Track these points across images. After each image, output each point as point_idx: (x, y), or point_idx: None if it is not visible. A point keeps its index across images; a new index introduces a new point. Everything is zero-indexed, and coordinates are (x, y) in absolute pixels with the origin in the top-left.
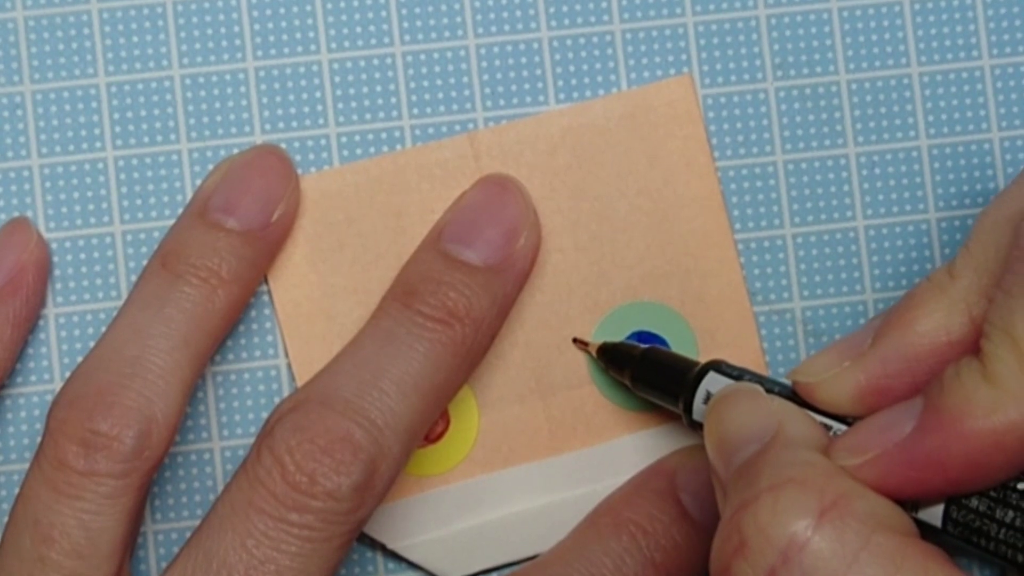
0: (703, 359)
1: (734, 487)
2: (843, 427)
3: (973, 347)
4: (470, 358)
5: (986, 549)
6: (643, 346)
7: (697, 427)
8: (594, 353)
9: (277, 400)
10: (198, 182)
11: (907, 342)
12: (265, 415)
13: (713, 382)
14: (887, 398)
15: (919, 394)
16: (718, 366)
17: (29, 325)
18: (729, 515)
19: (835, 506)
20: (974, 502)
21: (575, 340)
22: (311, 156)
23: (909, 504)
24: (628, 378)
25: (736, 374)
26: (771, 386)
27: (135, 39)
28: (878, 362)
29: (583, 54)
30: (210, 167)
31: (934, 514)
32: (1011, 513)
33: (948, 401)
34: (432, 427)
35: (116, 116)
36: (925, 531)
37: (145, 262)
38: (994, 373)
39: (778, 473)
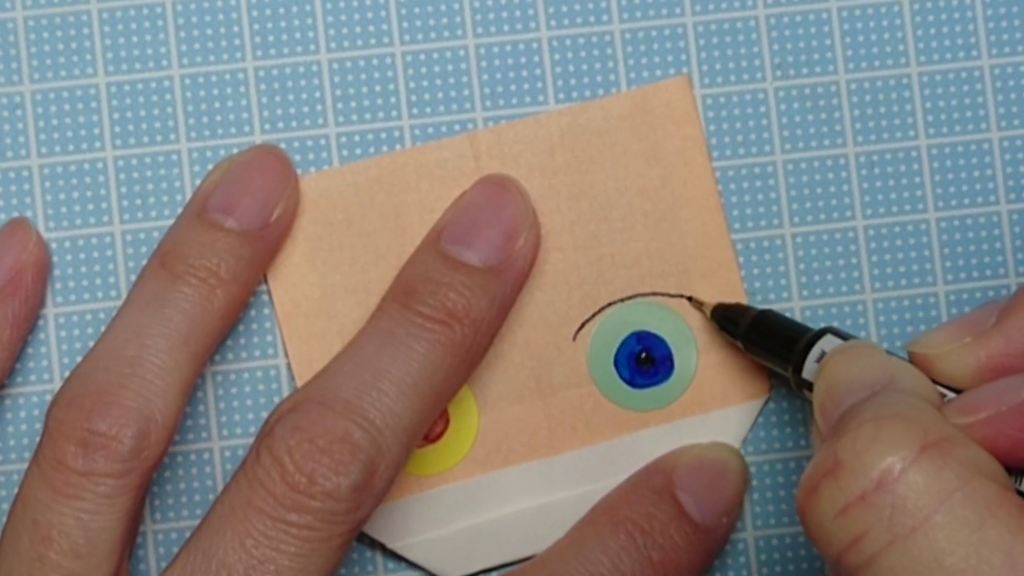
0: (703, 359)
1: (837, 428)
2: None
3: None
4: (469, 358)
5: None
6: (757, 308)
7: (805, 387)
8: (708, 314)
9: (276, 400)
10: (197, 182)
11: None
12: (264, 415)
13: (829, 344)
14: (1006, 376)
15: None
16: (835, 330)
17: (28, 325)
18: (828, 444)
19: (938, 445)
20: None
21: (690, 299)
22: (311, 156)
23: (1015, 473)
24: (741, 339)
25: (852, 339)
26: (890, 353)
27: (135, 39)
28: (1002, 340)
29: (582, 54)
30: (210, 167)
31: None
32: None
33: None
34: (432, 427)
35: (116, 116)
36: None
37: (144, 262)
38: None
39: (885, 408)
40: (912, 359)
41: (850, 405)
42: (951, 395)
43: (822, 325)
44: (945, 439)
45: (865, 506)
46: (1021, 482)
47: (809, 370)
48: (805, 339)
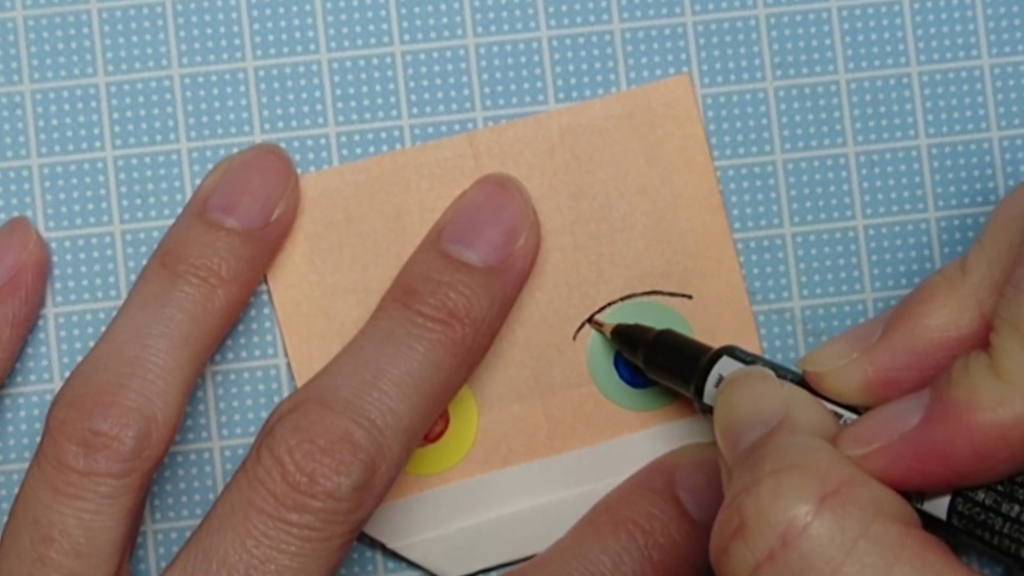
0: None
1: (738, 469)
2: (853, 416)
3: (983, 342)
4: (470, 358)
5: (990, 543)
6: (657, 328)
7: (708, 411)
8: (608, 334)
9: (277, 400)
10: (198, 182)
11: (916, 336)
12: (265, 415)
13: (726, 366)
14: (895, 390)
15: (927, 387)
16: (732, 351)
17: (28, 325)
18: (731, 497)
19: (836, 493)
20: (980, 495)
21: (591, 320)
22: (311, 156)
23: (915, 496)
24: (641, 360)
25: (749, 359)
26: (784, 373)
27: (135, 39)
28: (887, 354)
29: (582, 54)
30: (209, 166)
31: (939, 506)
32: (1017, 507)
33: (955, 394)
34: (432, 427)
35: (116, 116)
36: (930, 524)
37: (145, 262)
38: (1002, 367)
39: (782, 457)
40: (805, 377)
41: (748, 443)
42: (847, 415)
43: (720, 345)
44: (843, 483)
45: (774, 564)
46: (923, 503)
47: (710, 394)
48: (702, 363)
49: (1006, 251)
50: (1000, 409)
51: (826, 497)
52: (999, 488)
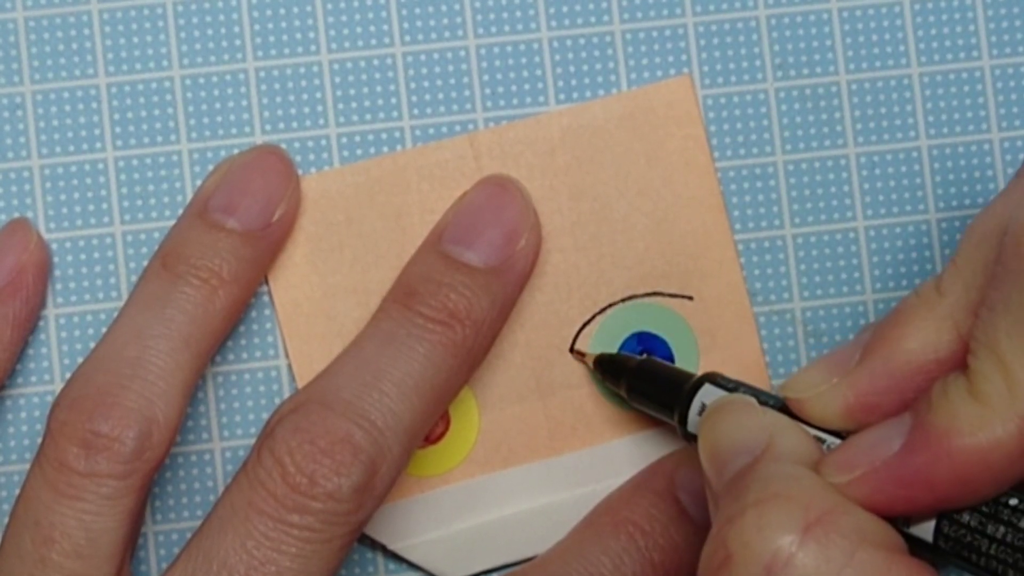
0: (704, 359)
1: (723, 499)
2: (837, 440)
3: (961, 363)
4: (470, 359)
5: (977, 564)
6: (639, 357)
7: (692, 439)
8: (591, 365)
9: (277, 401)
10: (198, 182)
11: (895, 359)
12: (265, 416)
13: (708, 394)
14: (876, 414)
15: (908, 410)
16: (713, 379)
17: (29, 326)
18: (716, 529)
19: (820, 522)
20: (966, 517)
21: (572, 351)
22: (311, 156)
23: (901, 520)
24: (624, 390)
25: (731, 387)
26: (766, 399)
27: (135, 39)
28: (866, 379)
29: (583, 54)
30: (210, 167)
31: (926, 529)
32: (1002, 529)
33: (935, 419)
34: (432, 428)
35: (116, 116)
36: (917, 547)
37: (145, 263)
38: (980, 391)
39: (765, 487)
40: (786, 403)
41: (733, 472)
42: (831, 439)
43: (702, 372)
44: (827, 512)
45: None
46: (909, 527)
47: (693, 423)
48: (684, 392)
49: (980, 271)
50: (980, 433)
51: (810, 527)
52: (984, 509)
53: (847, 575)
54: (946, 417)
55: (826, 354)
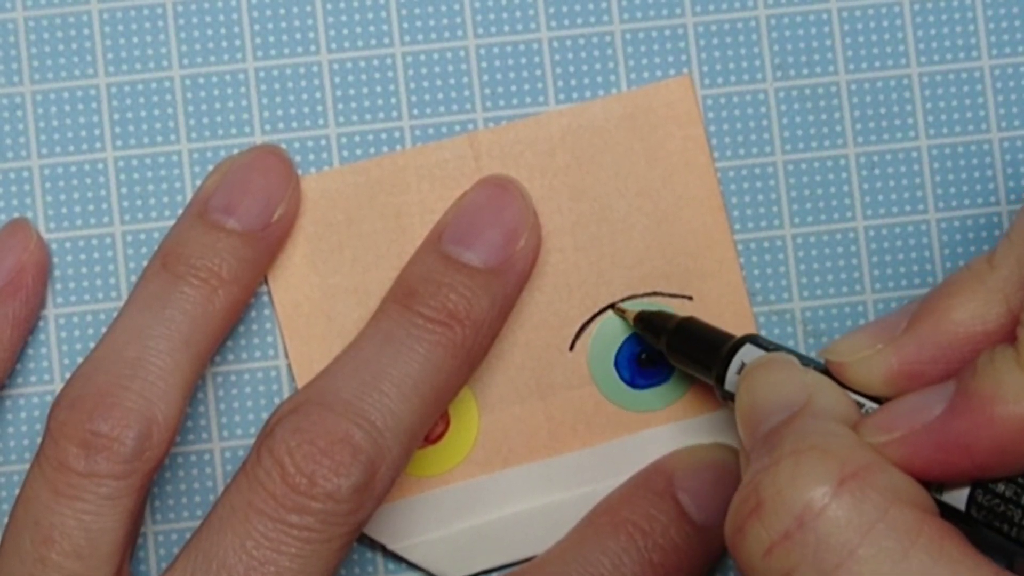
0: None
1: (757, 453)
2: (875, 406)
3: (1010, 336)
4: (470, 359)
5: (1008, 535)
6: (680, 316)
7: (728, 398)
8: (631, 321)
9: (277, 401)
10: (198, 182)
11: (942, 329)
12: (265, 416)
13: (748, 354)
14: (919, 382)
15: (952, 378)
16: (755, 339)
17: (29, 326)
18: (748, 478)
19: (855, 476)
20: (1000, 487)
21: (613, 307)
22: (311, 156)
23: (934, 486)
24: (664, 346)
25: (772, 347)
26: (807, 362)
27: (135, 39)
28: (912, 346)
29: (583, 54)
30: (210, 167)
31: (959, 497)
32: None
33: (979, 385)
34: (432, 428)
35: (116, 116)
36: (949, 515)
37: (145, 263)
38: None
39: (802, 439)
40: (827, 367)
41: (769, 428)
42: (870, 404)
43: (744, 333)
44: (863, 468)
45: (790, 545)
46: (942, 494)
47: (731, 382)
48: (724, 350)
49: None
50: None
51: (845, 480)
52: (1020, 480)
53: (879, 530)
54: (991, 384)
55: (872, 321)
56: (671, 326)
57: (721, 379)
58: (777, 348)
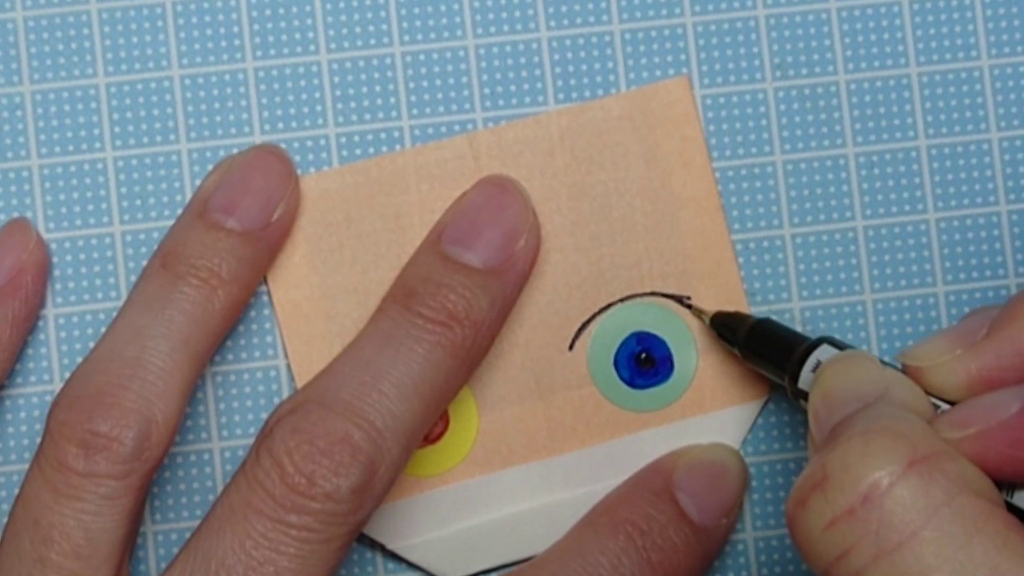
0: (702, 359)
1: (828, 438)
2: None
3: None
4: (470, 360)
5: None
6: (756, 316)
7: (801, 397)
8: (707, 321)
9: (276, 401)
10: (198, 182)
11: (1022, 336)
12: (264, 416)
13: (825, 353)
14: (997, 389)
15: None
16: (832, 340)
17: (28, 326)
18: (818, 455)
19: (925, 460)
20: None
21: (691, 307)
22: (310, 156)
23: (1005, 487)
24: (739, 347)
25: (848, 349)
26: (885, 365)
27: (135, 39)
28: (992, 353)
29: (582, 54)
30: (210, 167)
31: None
32: None
33: None
34: (432, 428)
35: (116, 116)
36: (1018, 518)
37: (145, 262)
38: None
39: (875, 421)
40: (905, 370)
41: (843, 416)
42: (945, 407)
43: (820, 334)
44: (933, 454)
45: (852, 520)
46: (1013, 495)
47: (805, 380)
48: (801, 349)
49: None
50: None
51: (914, 462)
52: None
53: (944, 515)
54: None
55: (950, 326)
56: (747, 326)
57: (795, 377)
58: (853, 349)
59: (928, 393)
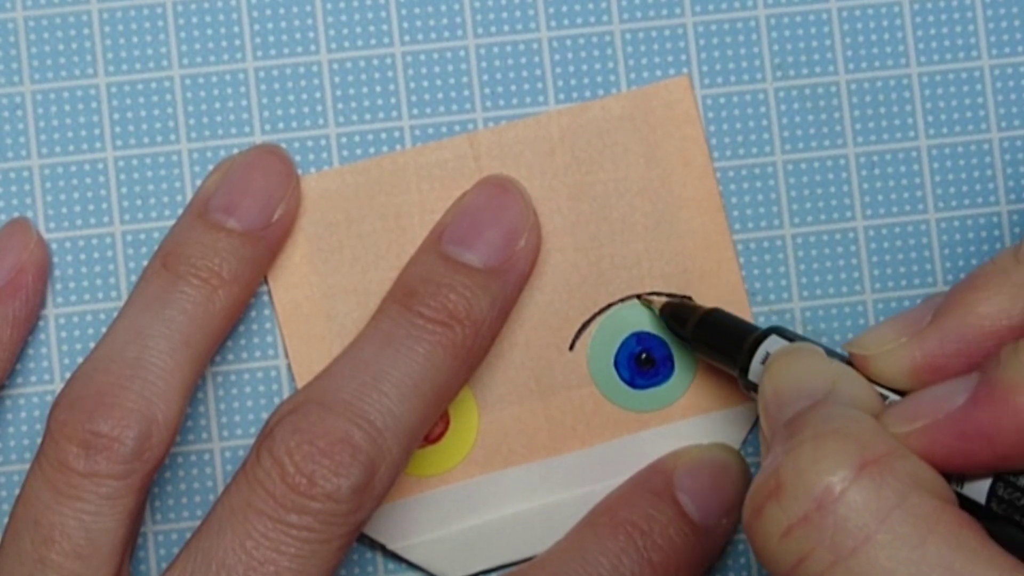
0: (702, 360)
1: (779, 438)
2: (898, 399)
3: None
4: (470, 360)
5: None
6: (706, 307)
7: (751, 389)
8: (658, 310)
9: (277, 401)
10: (198, 182)
11: (967, 323)
12: (265, 416)
13: (773, 344)
14: (942, 376)
15: (975, 370)
16: (780, 330)
17: (29, 326)
18: (769, 461)
19: (876, 462)
20: (1022, 480)
21: (639, 296)
22: (311, 156)
23: (955, 478)
24: (688, 336)
25: (797, 339)
26: (831, 355)
27: (135, 39)
28: (936, 340)
29: (582, 54)
30: (210, 167)
31: (979, 491)
32: None
33: (1003, 375)
34: (432, 428)
35: (116, 116)
36: (968, 508)
37: (145, 262)
38: None
39: (824, 424)
40: (851, 359)
41: (792, 414)
42: (893, 397)
43: (768, 325)
44: (883, 455)
45: (808, 527)
46: (963, 487)
47: (755, 372)
48: (750, 340)
49: None
50: None
51: (865, 465)
52: None
53: (896, 516)
54: (1014, 374)
55: (896, 315)
56: (697, 316)
57: (745, 369)
58: (802, 340)
59: (874, 382)
